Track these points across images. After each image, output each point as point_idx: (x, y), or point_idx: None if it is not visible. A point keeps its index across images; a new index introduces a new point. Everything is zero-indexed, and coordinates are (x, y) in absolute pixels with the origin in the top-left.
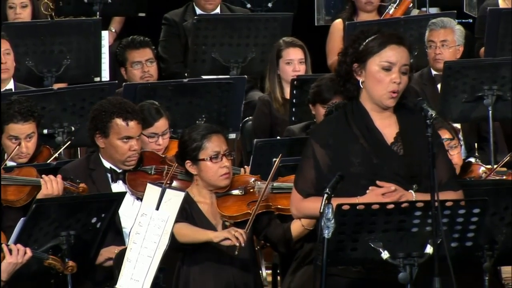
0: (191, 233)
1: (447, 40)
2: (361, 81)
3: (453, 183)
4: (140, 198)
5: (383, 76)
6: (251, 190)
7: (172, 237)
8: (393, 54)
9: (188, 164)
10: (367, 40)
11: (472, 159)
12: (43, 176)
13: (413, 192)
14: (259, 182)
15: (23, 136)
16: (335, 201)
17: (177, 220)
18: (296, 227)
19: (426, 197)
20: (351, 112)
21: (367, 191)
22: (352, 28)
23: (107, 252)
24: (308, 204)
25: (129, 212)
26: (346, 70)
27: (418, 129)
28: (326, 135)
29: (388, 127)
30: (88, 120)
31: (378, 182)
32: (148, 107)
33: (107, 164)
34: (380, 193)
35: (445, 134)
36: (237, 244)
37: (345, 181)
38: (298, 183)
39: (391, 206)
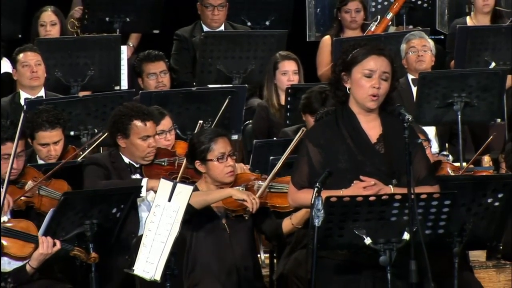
0: (207, 196)
1: (426, 46)
2: (348, 88)
3: (430, 178)
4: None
5: (364, 82)
6: (252, 188)
7: (189, 206)
8: (374, 63)
9: (198, 164)
10: (353, 52)
11: (443, 157)
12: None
13: (391, 187)
14: (260, 182)
15: (51, 142)
16: (325, 193)
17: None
18: (287, 225)
19: (403, 191)
20: (341, 115)
21: (352, 185)
22: (339, 43)
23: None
24: (302, 195)
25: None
26: (335, 78)
27: (398, 131)
28: (318, 136)
29: (372, 129)
30: (108, 125)
31: (361, 177)
32: (152, 111)
33: (126, 160)
34: (362, 187)
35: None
36: (250, 208)
37: (334, 176)
38: (294, 177)
39: (373, 198)
